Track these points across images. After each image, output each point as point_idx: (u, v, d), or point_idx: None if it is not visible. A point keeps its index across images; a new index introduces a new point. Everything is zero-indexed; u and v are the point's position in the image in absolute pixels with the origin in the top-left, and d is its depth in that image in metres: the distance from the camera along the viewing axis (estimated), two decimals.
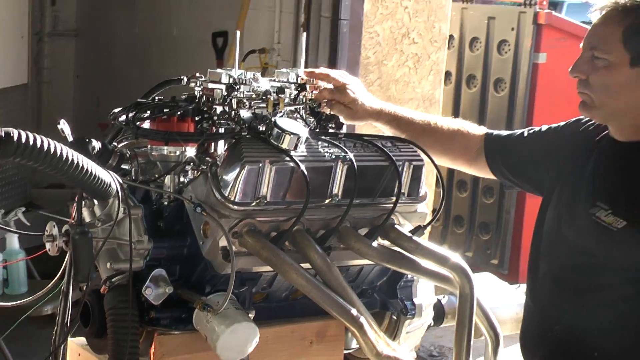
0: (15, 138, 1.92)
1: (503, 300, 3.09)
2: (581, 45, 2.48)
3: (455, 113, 6.91)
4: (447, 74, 6.47)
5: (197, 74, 2.55)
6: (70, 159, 2.02)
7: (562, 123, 2.76)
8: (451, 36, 6.26)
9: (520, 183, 2.85)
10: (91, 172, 2.08)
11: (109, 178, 2.15)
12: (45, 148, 1.96)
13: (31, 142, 1.94)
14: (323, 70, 2.67)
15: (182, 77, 2.56)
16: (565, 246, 2.56)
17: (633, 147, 2.48)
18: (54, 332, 2.57)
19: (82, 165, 2.06)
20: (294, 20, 5.34)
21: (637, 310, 2.44)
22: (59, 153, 1.99)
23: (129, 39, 7.60)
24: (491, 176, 2.90)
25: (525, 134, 2.81)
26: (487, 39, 6.79)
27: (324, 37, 4.98)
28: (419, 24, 5.47)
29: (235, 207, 2.25)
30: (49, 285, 2.59)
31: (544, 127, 2.78)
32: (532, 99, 6.54)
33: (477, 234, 6.76)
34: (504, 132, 2.88)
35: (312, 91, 2.56)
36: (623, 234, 2.39)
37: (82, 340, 2.53)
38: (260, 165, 2.25)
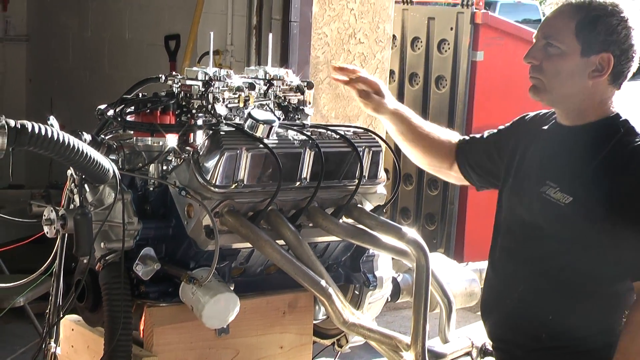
0: (30, 129, 2.17)
1: (454, 276, 3.35)
2: (534, 35, 2.73)
3: None
4: (391, 73, 6.71)
5: (174, 72, 2.80)
6: (76, 148, 2.27)
7: (511, 121, 3.04)
8: (393, 36, 6.51)
9: (482, 177, 3.09)
10: (94, 159, 2.33)
11: (108, 165, 2.40)
12: (55, 138, 2.21)
13: (43, 133, 2.18)
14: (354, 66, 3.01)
15: (160, 75, 2.79)
16: (520, 223, 2.80)
17: (577, 130, 2.73)
18: (48, 311, 2.80)
19: (87, 154, 2.30)
20: (246, 23, 5.55)
21: (576, 277, 2.69)
22: (67, 142, 2.23)
23: (81, 42, 7.74)
24: (465, 182, 3.17)
25: (485, 135, 3.08)
26: (428, 38, 7.04)
27: (275, 39, 5.23)
28: (364, 25, 5.75)
29: (216, 189, 2.51)
30: (42, 268, 2.80)
31: (500, 127, 3.06)
32: (472, 94, 6.79)
33: (423, 224, 7.01)
34: (471, 136, 3.14)
35: (279, 87, 2.81)
36: (569, 208, 2.64)
37: (74, 317, 2.76)
38: (238, 152, 2.51)
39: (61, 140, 2.22)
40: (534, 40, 2.73)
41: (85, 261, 2.48)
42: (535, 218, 2.75)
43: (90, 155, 2.32)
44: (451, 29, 6.85)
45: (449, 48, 6.89)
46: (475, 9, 6.75)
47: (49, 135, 2.20)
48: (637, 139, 2.64)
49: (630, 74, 2.70)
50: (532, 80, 2.72)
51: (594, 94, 2.67)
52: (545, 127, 2.85)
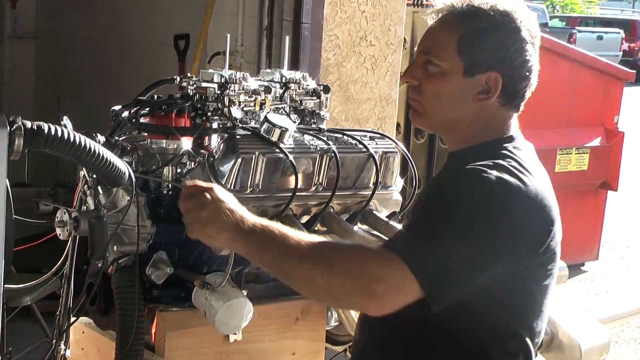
0: (46, 131, 2.14)
1: None
2: (416, 48, 2.32)
3: (408, 112, 7.13)
4: (400, 75, 6.68)
5: (188, 74, 2.78)
6: (92, 150, 2.24)
7: None
8: (404, 39, 6.48)
9: None
10: (110, 161, 2.31)
11: (124, 167, 2.37)
12: (71, 140, 2.18)
13: (59, 135, 2.16)
14: None
15: (175, 76, 2.77)
16: None
17: (452, 156, 2.32)
18: (58, 313, 2.77)
19: (102, 156, 2.28)
20: (257, 24, 5.52)
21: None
22: (82, 144, 2.21)
23: (89, 41, 7.71)
24: None
25: None
26: None
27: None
28: (375, 28, 5.71)
29: (231, 194, 2.47)
30: (53, 269, 2.78)
31: None
32: None
33: None
34: None
35: (295, 90, 2.79)
36: None
37: (85, 319, 2.74)
38: (254, 156, 2.48)
39: (77, 142, 2.20)
40: (415, 55, 2.30)
41: (99, 265, 2.46)
42: None
43: (105, 158, 2.30)
44: None
45: None
46: None
47: (65, 137, 2.17)
48: (473, 167, 2.11)
49: (528, 93, 2.25)
50: (412, 103, 2.28)
51: (478, 118, 2.23)
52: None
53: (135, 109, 2.62)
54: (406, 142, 7.05)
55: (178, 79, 2.75)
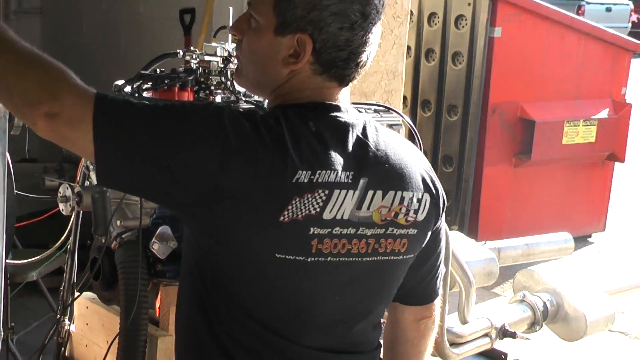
0: None
1: (472, 255, 3.33)
2: None
3: (415, 85, 7.14)
4: (407, 48, 6.65)
5: (192, 48, 2.76)
6: None
7: None
8: (410, 12, 6.45)
9: None
10: None
11: None
12: None
13: None
14: None
15: (178, 50, 2.75)
16: None
17: None
18: (62, 288, 2.77)
19: None
20: None
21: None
22: None
23: (96, 16, 7.68)
24: None
25: None
26: (445, 14, 6.98)
27: None
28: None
29: None
30: (57, 244, 2.78)
31: None
32: (489, 71, 6.72)
33: None
34: None
35: None
36: None
37: (89, 294, 2.74)
38: None
39: None
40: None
41: (103, 240, 2.45)
42: None
43: None
44: (469, 4, 6.79)
45: (466, 24, 6.83)
46: None
47: None
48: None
49: (354, 67, 1.97)
50: (237, 59, 2.11)
51: (286, 83, 1.99)
52: None
53: (138, 83, 2.60)
54: (413, 116, 7.04)
55: (181, 52, 2.74)
